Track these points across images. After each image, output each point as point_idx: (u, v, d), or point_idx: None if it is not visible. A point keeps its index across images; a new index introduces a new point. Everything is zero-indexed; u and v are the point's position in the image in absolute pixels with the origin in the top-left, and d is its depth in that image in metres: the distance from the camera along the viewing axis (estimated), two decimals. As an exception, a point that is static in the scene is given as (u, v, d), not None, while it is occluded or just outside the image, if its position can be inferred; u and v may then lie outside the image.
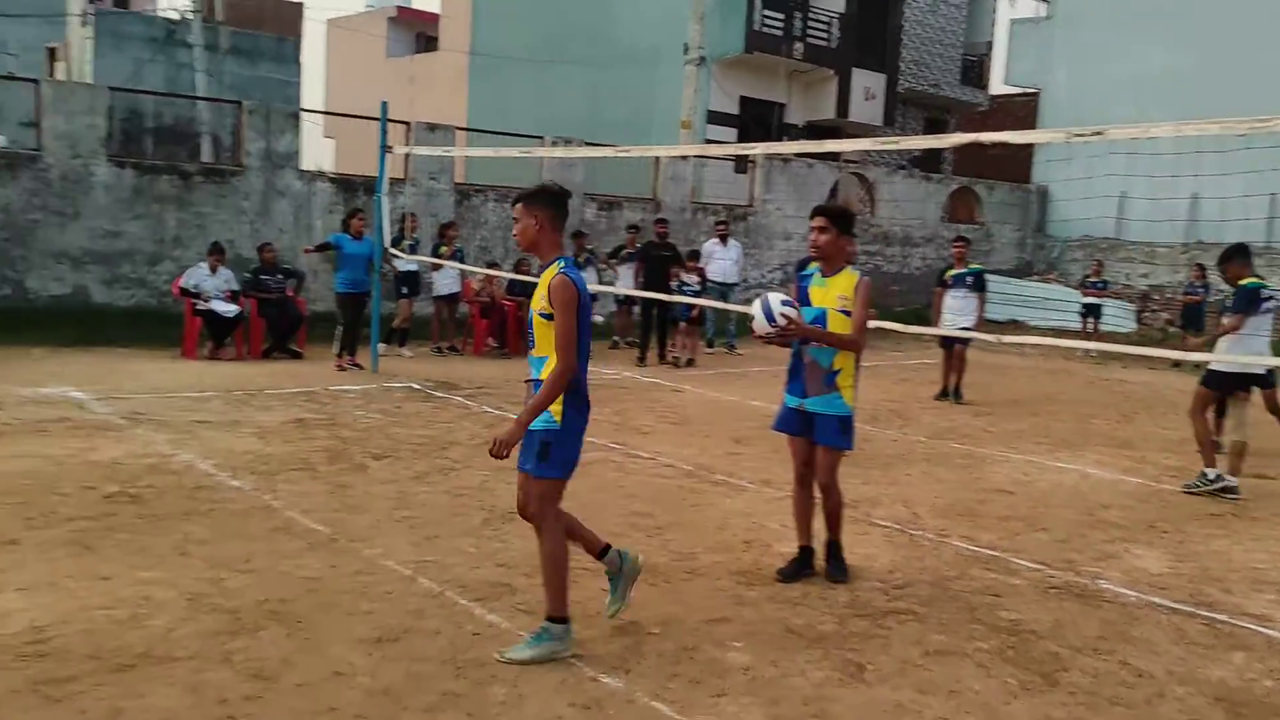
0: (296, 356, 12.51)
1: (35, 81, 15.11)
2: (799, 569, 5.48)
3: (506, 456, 4.14)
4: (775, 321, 5.13)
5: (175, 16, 35.54)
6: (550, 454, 4.23)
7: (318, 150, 28.49)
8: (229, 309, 12.18)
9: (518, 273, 13.92)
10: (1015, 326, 20.35)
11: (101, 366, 10.97)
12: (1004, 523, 6.92)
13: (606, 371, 13.02)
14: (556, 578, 4.33)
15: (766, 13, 24.17)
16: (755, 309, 5.23)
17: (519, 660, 4.22)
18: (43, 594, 4.67)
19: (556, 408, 4.22)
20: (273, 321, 12.58)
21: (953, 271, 12.01)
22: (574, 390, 4.25)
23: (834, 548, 5.56)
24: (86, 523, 5.73)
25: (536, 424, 4.22)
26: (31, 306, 13.07)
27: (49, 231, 13.27)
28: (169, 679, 3.93)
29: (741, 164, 22.06)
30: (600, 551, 4.64)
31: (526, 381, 4.37)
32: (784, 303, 5.19)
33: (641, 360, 13.90)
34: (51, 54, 39.03)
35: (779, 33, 24.49)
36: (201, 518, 5.97)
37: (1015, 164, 26.00)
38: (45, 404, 8.86)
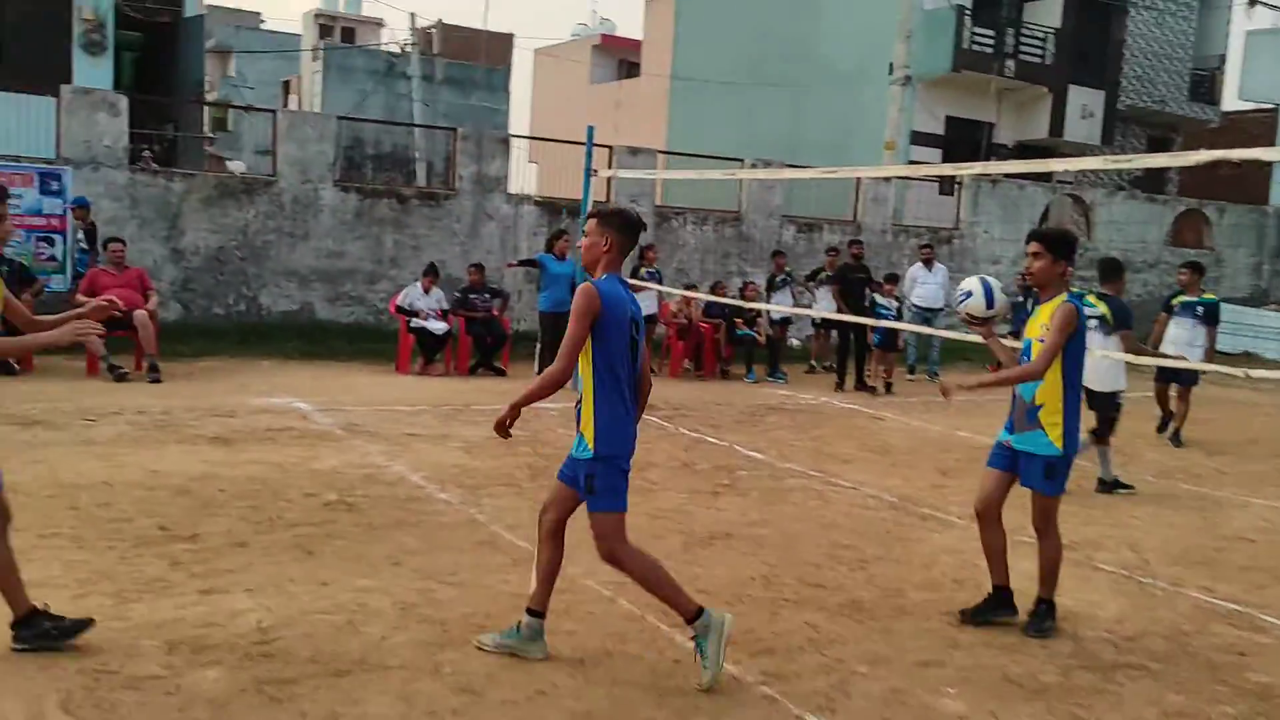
0: (501, 373, 12.87)
1: (273, 112, 16.27)
2: (989, 609, 5.09)
3: (505, 434, 4.14)
4: (993, 303, 5.22)
5: (396, 50, 37.78)
6: (595, 486, 4.13)
7: (523, 175, 29.47)
8: (440, 326, 12.67)
9: (714, 294, 13.90)
10: (1249, 359, 18.81)
11: (323, 379, 11.60)
12: (1246, 573, 6.32)
13: (804, 396, 12.80)
14: (663, 591, 4.27)
15: (976, 30, 23.44)
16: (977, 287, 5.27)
17: (708, 682, 4.14)
18: (268, 596, 4.90)
19: (589, 432, 4.12)
20: (479, 339, 12.99)
21: (1182, 298, 11.06)
22: (609, 416, 4.12)
23: (1040, 603, 5.07)
24: (308, 529, 6.01)
25: (577, 453, 4.18)
26: (263, 321, 14.00)
27: (280, 251, 14.19)
28: (382, 687, 4.03)
29: (946, 186, 21.38)
30: (535, 611, 4.38)
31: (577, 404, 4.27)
32: (980, 311, 5.22)
33: (840, 385, 13.59)
34: (286, 86, 42.18)
35: (989, 50, 23.69)
36: (412, 528, 6.16)
37: (1250, 184, 24.14)
38: (273, 413, 9.41)
